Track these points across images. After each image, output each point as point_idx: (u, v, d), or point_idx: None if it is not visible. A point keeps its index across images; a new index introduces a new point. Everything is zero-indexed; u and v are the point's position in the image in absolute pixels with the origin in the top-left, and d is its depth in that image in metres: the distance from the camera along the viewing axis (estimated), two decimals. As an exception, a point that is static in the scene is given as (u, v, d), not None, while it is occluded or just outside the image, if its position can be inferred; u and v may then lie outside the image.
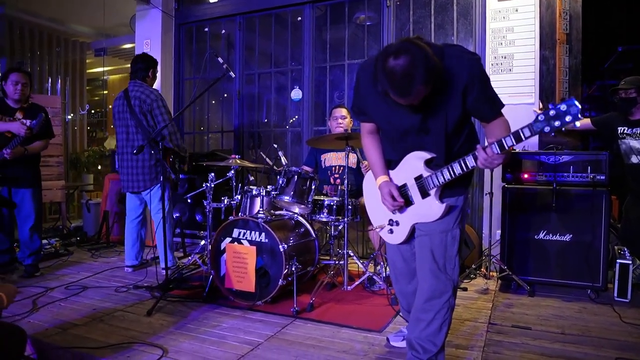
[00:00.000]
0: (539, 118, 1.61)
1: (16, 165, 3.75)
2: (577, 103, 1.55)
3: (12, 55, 7.50)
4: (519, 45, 4.01)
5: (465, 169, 1.84)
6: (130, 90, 3.86)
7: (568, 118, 1.57)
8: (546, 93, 3.93)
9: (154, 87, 4.00)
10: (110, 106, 10.18)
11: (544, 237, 3.42)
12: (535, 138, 3.89)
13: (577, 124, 1.57)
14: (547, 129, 1.61)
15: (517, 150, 3.61)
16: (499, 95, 1.93)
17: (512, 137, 1.69)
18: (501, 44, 4.06)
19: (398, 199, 2.00)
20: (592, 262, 3.27)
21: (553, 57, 3.92)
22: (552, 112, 1.59)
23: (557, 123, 1.58)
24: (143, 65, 3.93)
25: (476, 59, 1.82)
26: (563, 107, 1.57)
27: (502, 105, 1.91)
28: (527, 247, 3.46)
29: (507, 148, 1.71)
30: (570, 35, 3.91)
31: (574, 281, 3.34)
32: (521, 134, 1.67)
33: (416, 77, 1.63)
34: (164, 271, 3.38)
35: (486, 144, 1.79)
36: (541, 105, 3.82)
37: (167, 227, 3.80)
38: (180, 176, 4.88)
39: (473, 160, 1.81)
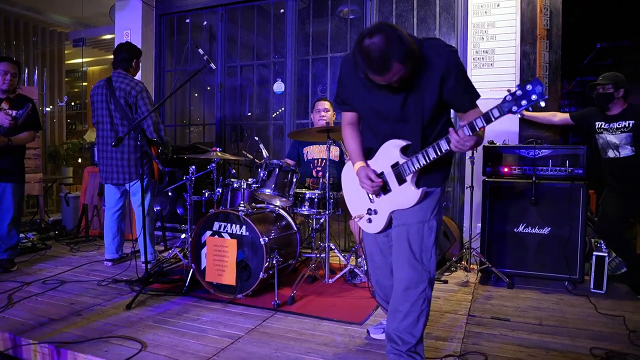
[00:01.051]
0: (507, 98, 1.66)
1: None
2: (541, 82, 1.60)
3: (-13, 44, 7.31)
4: (500, 40, 4.05)
5: (439, 153, 1.87)
6: (114, 80, 3.79)
7: (534, 97, 1.61)
8: (526, 88, 3.97)
9: (136, 77, 3.94)
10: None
11: (523, 230, 3.46)
12: (516, 132, 3.94)
13: (542, 103, 1.61)
14: (514, 108, 1.65)
15: (497, 144, 3.64)
16: (480, 90, 1.99)
17: (482, 118, 1.73)
18: (482, 38, 4.08)
19: (375, 180, 2.02)
20: (570, 255, 3.33)
21: (534, 52, 3.96)
22: (518, 92, 1.64)
23: (523, 102, 1.63)
24: (127, 56, 3.86)
25: (453, 51, 1.87)
26: (528, 87, 1.62)
27: (478, 96, 1.96)
28: (507, 240, 3.50)
29: (477, 130, 1.75)
30: (551, 31, 3.95)
31: (552, 273, 3.40)
32: (490, 115, 1.71)
33: (392, 53, 1.67)
34: (144, 265, 3.35)
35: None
36: (521, 100, 3.85)
37: (148, 221, 3.75)
38: (165, 169, 4.83)
39: (446, 144, 1.84)
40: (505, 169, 3.56)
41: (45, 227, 5.44)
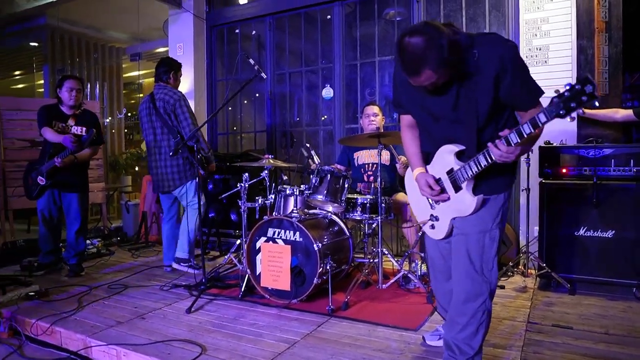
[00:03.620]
0: (554, 101, 1.53)
1: (65, 171, 3.91)
2: (592, 80, 1.46)
3: (53, 62, 7.80)
4: (555, 36, 3.91)
5: (489, 161, 1.77)
6: (156, 93, 3.96)
7: (584, 98, 1.47)
8: (585, 84, 3.81)
9: (178, 89, 4.07)
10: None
11: (584, 233, 3.32)
12: (574, 131, 3.78)
13: (595, 103, 1.48)
14: (562, 112, 1.51)
15: (554, 144, 3.51)
16: None
17: (529, 124, 1.61)
18: (535, 35, 3.95)
19: (434, 187, 1.96)
20: (638, 259, 3.16)
21: (591, 46, 3.79)
22: (567, 94, 1.50)
23: (572, 104, 1.49)
24: (165, 68, 4.02)
25: (511, 46, 1.76)
26: (577, 86, 1.47)
27: (541, 93, 1.80)
28: (567, 243, 3.37)
29: (525, 136, 1.63)
30: (610, 23, 3.76)
31: (617, 279, 3.23)
32: (537, 120, 1.59)
33: (425, 59, 1.62)
34: (201, 270, 3.46)
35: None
36: (580, 98, 3.69)
37: (194, 220, 3.93)
38: (215, 176, 4.97)
39: (488, 158, 1.76)
40: (564, 170, 3.43)
41: (108, 233, 5.72)
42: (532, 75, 1.81)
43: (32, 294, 3.36)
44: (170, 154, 3.71)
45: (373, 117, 4.04)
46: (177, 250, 4.05)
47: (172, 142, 3.85)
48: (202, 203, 3.90)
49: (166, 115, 3.88)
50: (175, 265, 4.05)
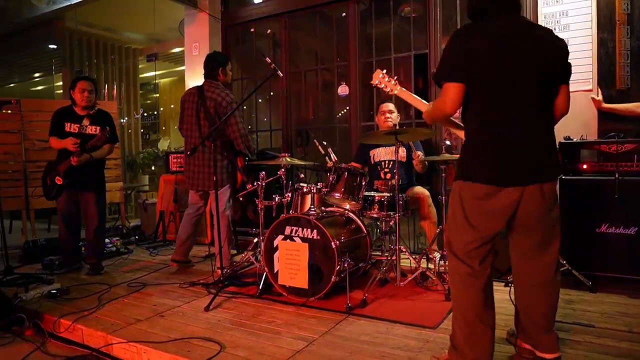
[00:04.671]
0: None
1: (82, 171, 3.95)
2: None
3: (71, 64, 7.92)
4: (574, 30, 3.84)
5: None
6: (206, 90, 3.87)
7: None
8: (605, 78, 3.74)
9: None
10: (162, 108, 10.58)
11: (606, 230, 3.26)
12: (595, 127, 3.72)
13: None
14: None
15: (574, 140, 3.46)
16: None
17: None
18: (555, 29, 3.89)
19: None
20: (661, 256, 3.09)
21: (612, 39, 3.72)
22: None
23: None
24: (212, 65, 3.95)
25: None
26: None
27: None
28: (587, 240, 3.31)
29: None
30: (632, 15, 3.68)
31: (640, 276, 3.17)
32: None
33: None
34: (220, 269, 3.48)
35: None
36: (600, 92, 3.64)
37: (225, 225, 3.88)
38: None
39: None
40: (584, 166, 3.37)
41: (126, 232, 5.79)
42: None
43: (54, 291, 3.42)
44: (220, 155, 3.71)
45: (389, 114, 4.03)
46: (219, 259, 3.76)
47: (219, 143, 3.77)
48: (229, 210, 3.92)
49: (216, 117, 3.79)
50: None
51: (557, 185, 3.36)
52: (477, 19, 2.08)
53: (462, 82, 1.96)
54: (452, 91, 1.98)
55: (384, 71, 2.98)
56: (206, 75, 3.97)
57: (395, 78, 2.94)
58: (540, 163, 1.97)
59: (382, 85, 2.94)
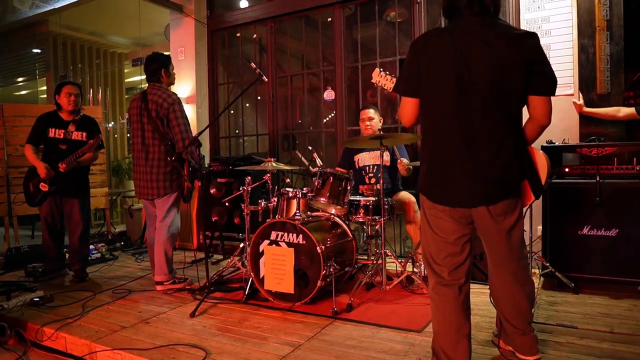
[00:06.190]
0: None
1: (66, 177, 3.92)
2: None
3: (55, 68, 7.84)
4: (556, 35, 3.90)
5: None
6: (149, 93, 3.65)
7: None
8: (586, 83, 3.81)
9: (172, 88, 3.81)
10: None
11: (588, 232, 3.31)
12: (576, 130, 3.78)
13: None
14: None
15: (557, 144, 3.51)
16: None
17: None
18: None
19: None
20: (641, 257, 3.15)
21: (592, 45, 3.79)
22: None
23: None
24: (153, 67, 3.70)
25: None
26: None
27: None
28: (570, 243, 3.36)
29: None
30: (611, 21, 3.76)
31: (622, 277, 3.22)
32: None
33: None
34: (205, 274, 3.46)
35: None
36: (581, 96, 3.70)
37: (166, 238, 3.65)
38: (218, 180, 4.96)
39: None
40: (566, 169, 3.42)
41: (112, 238, 5.74)
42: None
43: (37, 299, 3.37)
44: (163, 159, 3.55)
45: (368, 122, 4.05)
46: (155, 274, 3.67)
47: (163, 149, 3.58)
48: (177, 223, 3.71)
49: (159, 120, 3.57)
50: (159, 288, 3.66)
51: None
52: (450, 21, 2.02)
53: (416, 97, 1.97)
54: (407, 106, 2.00)
55: (382, 69, 3.03)
56: (149, 79, 3.73)
57: (393, 76, 2.98)
58: (485, 186, 1.87)
59: (382, 84, 2.99)
